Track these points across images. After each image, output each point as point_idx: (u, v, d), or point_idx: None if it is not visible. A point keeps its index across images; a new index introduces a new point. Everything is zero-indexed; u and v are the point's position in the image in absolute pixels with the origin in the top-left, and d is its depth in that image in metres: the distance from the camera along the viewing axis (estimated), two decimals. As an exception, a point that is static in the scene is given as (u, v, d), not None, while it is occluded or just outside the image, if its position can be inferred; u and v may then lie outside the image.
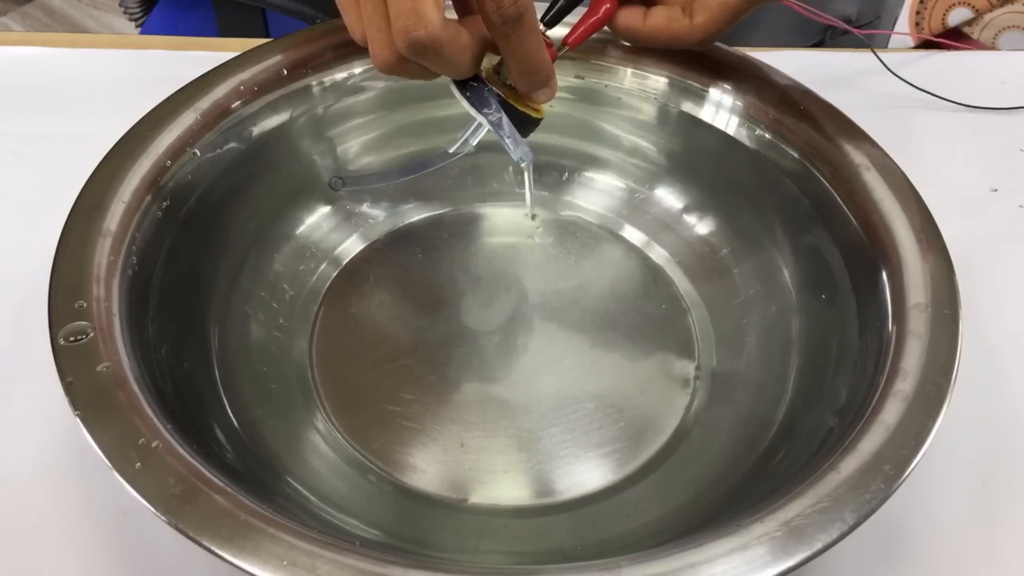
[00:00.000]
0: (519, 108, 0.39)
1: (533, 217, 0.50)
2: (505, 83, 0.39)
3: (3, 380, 0.43)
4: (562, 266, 0.49)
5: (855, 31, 0.61)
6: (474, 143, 0.43)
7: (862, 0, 0.70)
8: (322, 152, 0.48)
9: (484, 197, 0.51)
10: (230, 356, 0.42)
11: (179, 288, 0.40)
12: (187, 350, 0.40)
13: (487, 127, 0.40)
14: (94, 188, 0.38)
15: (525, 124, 0.40)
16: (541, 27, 0.39)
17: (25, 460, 0.40)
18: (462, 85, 0.39)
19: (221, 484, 0.30)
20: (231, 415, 0.39)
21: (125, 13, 0.89)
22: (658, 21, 0.41)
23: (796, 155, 0.44)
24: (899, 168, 0.42)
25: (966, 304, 0.37)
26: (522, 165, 0.40)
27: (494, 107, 0.39)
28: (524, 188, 0.47)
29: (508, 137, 0.39)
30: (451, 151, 0.44)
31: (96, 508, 0.39)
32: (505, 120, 0.39)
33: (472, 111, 0.39)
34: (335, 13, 0.37)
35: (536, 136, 0.42)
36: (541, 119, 0.40)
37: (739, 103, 0.46)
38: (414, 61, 0.35)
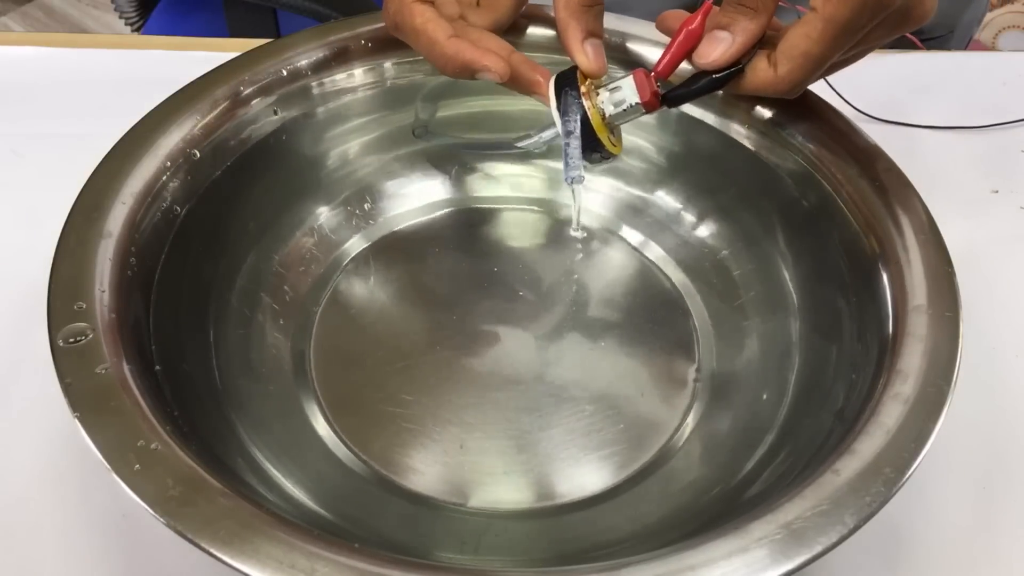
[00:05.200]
0: (596, 133, 0.39)
1: (578, 230, 0.50)
2: (598, 105, 0.39)
3: (3, 380, 0.43)
4: (561, 267, 0.49)
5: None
6: (544, 142, 0.42)
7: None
8: (322, 152, 0.48)
9: (483, 200, 0.51)
10: (230, 357, 0.42)
11: (179, 289, 0.40)
12: (187, 351, 0.39)
13: (559, 134, 0.39)
14: (94, 189, 0.38)
15: (595, 150, 0.39)
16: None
17: (24, 461, 0.40)
18: (560, 86, 0.39)
19: (220, 486, 0.29)
20: (230, 416, 0.39)
21: (121, 17, 0.88)
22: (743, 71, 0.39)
23: (796, 156, 0.44)
24: (900, 169, 0.42)
25: (967, 306, 0.37)
26: (566, 183, 0.40)
27: (573, 119, 0.38)
28: (572, 205, 0.47)
29: (571, 153, 0.39)
30: (520, 144, 0.43)
31: (95, 510, 0.39)
32: (577, 136, 0.39)
33: (554, 112, 0.39)
34: (349, 12, 0.37)
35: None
36: (613, 156, 0.40)
37: (739, 103, 0.46)
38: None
